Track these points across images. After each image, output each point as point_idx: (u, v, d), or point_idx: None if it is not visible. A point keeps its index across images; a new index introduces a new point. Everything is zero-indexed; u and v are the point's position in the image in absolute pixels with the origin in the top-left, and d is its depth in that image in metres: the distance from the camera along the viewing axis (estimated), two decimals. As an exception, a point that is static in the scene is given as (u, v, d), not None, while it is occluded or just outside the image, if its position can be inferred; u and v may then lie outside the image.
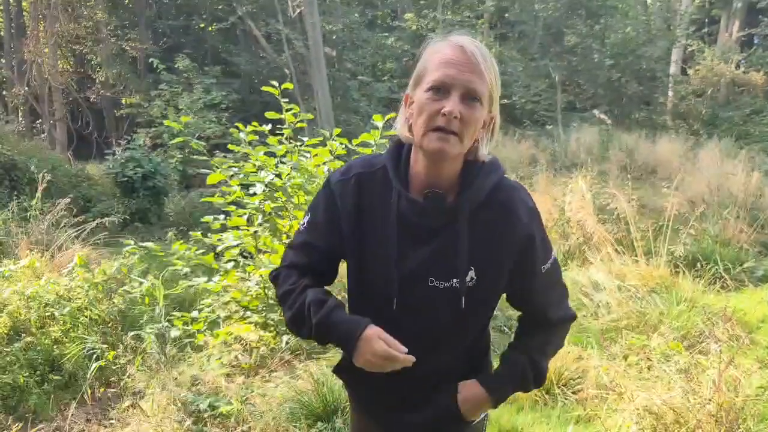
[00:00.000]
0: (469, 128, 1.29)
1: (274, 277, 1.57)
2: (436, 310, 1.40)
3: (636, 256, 5.30)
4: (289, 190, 4.23)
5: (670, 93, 19.54)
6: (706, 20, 24.13)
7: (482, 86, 1.28)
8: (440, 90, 1.27)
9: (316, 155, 4.46)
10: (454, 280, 1.37)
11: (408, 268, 1.38)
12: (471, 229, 1.35)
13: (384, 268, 1.39)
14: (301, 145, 4.51)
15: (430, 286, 1.38)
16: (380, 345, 1.29)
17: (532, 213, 1.41)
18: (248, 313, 4.31)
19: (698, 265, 5.32)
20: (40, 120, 18.42)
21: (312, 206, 1.51)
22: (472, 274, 1.37)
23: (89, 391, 3.80)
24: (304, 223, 1.51)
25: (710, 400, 2.76)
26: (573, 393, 3.54)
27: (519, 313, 1.57)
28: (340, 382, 3.32)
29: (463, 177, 1.37)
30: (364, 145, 4.35)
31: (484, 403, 1.46)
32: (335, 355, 3.97)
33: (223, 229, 4.35)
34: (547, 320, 1.50)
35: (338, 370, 1.60)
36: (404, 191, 1.37)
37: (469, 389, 1.45)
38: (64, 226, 6.61)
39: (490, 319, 1.53)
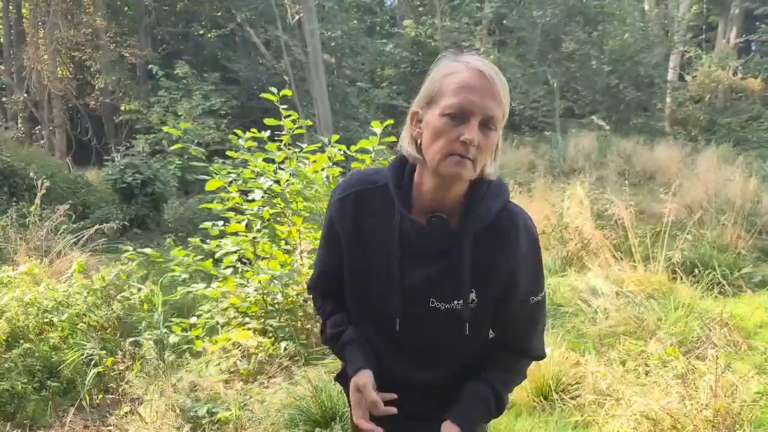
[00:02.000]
0: (485, 154, 1.28)
1: (310, 290, 1.68)
2: (437, 330, 1.41)
3: (634, 261, 5.31)
4: (288, 196, 4.25)
5: (668, 99, 19.61)
6: (704, 27, 24.24)
7: (499, 112, 1.27)
8: (458, 117, 1.24)
9: (315, 161, 4.48)
10: (455, 302, 1.37)
11: (409, 289, 1.38)
12: (474, 252, 1.35)
13: (386, 288, 1.40)
14: (299, 152, 4.52)
15: (430, 307, 1.39)
16: (355, 396, 1.38)
17: (532, 243, 1.40)
18: (247, 319, 4.32)
19: (696, 270, 5.32)
20: (39, 126, 18.45)
21: (323, 227, 1.55)
22: (473, 296, 1.37)
23: (87, 398, 3.79)
24: (321, 240, 1.57)
25: (707, 405, 2.76)
26: (571, 398, 3.54)
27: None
28: (339, 388, 3.33)
29: (468, 199, 1.35)
30: (363, 151, 4.37)
31: None
32: (333, 361, 3.97)
33: (222, 235, 4.36)
34: (525, 352, 1.51)
35: (339, 377, 1.63)
36: (407, 213, 1.35)
37: (448, 429, 1.41)
38: (63, 232, 6.61)
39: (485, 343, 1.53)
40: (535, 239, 1.41)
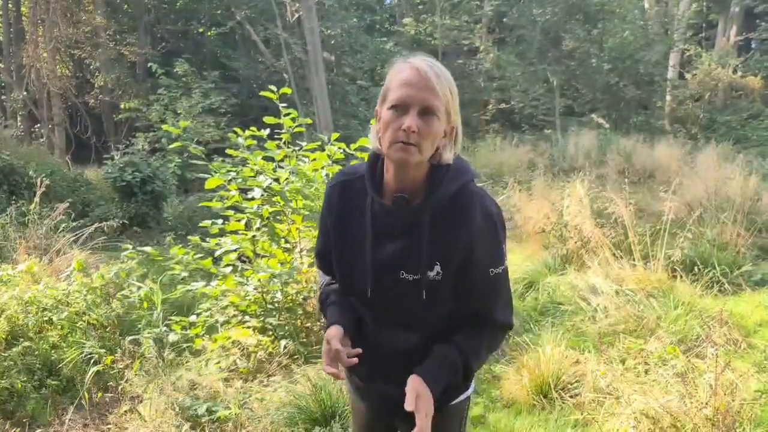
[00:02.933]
0: (427, 139, 1.45)
1: (317, 268, 1.94)
2: (405, 298, 1.58)
3: (634, 260, 5.31)
4: (288, 194, 4.24)
5: (668, 97, 19.61)
6: (704, 25, 24.23)
7: (437, 102, 1.44)
8: (400, 107, 1.44)
9: (315, 160, 4.48)
10: (422, 273, 1.54)
11: (381, 262, 1.58)
12: (434, 228, 1.53)
13: (361, 261, 1.61)
14: (299, 150, 4.52)
15: (401, 278, 1.56)
16: (324, 346, 1.56)
17: (489, 217, 1.55)
18: (246, 317, 4.32)
19: (696, 269, 5.32)
20: (38, 124, 18.43)
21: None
22: (438, 268, 1.54)
23: (87, 396, 3.80)
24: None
25: (707, 404, 2.76)
26: (570, 397, 3.54)
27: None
28: (338, 387, 3.34)
29: (429, 181, 1.53)
30: (363, 149, 4.36)
31: (427, 393, 1.50)
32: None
33: (222, 233, 4.35)
34: (490, 321, 1.63)
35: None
36: (377, 196, 1.56)
37: (413, 381, 1.52)
38: (63, 230, 6.61)
39: (455, 310, 1.64)
40: (491, 216, 1.55)
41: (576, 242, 6.10)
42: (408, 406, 1.44)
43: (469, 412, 1.83)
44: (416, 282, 1.55)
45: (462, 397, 1.74)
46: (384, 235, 1.57)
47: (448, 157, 1.52)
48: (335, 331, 1.57)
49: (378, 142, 1.53)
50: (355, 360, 1.52)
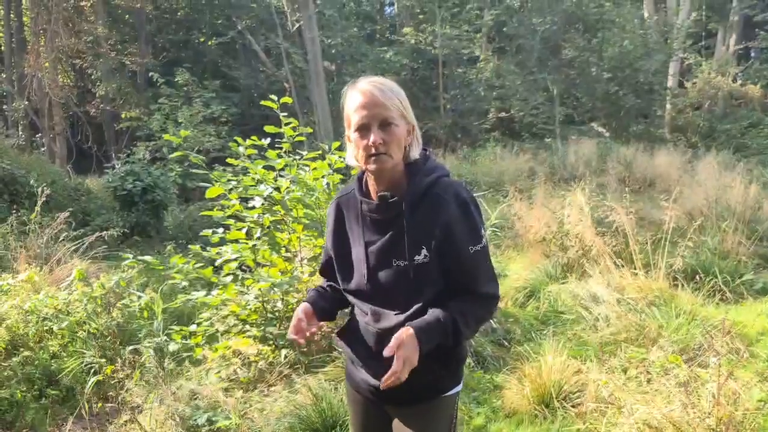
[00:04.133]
0: (392, 145, 1.70)
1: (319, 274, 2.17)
2: (399, 283, 1.77)
3: (635, 268, 5.30)
4: (288, 203, 4.24)
5: (668, 106, 19.63)
6: (703, 34, 24.30)
7: (389, 112, 1.69)
8: (362, 128, 1.70)
9: (315, 169, 4.48)
10: (412, 258, 1.75)
11: (375, 255, 1.81)
12: (415, 218, 1.74)
13: (357, 257, 1.85)
14: (300, 159, 4.52)
15: (394, 266, 1.77)
16: (293, 319, 1.83)
17: (461, 201, 1.75)
18: (247, 326, 4.30)
19: (697, 277, 5.31)
20: (40, 134, 18.47)
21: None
22: (424, 251, 1.74)
23: (87, 406, 3.78)
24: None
25: (710, 413, 2.75)
26: (572, 407, 3.53)
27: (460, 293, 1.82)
28: (339, 396, 3.34)
29: (407, 177, 1.78)
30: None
31: (411, 342, 1.64)
32: (334, 369, 3.96)
33: (222, 242, 4.35)
34: (473, 292, 1.79)
35: (340, 332, 2.01)
36: (364, 199, 1.82)
37: (400, 331, 1.67)
38: (63, 239, 6.61)
39: (445, 289, 1.79)
40: (464, 200, 1.75)
41: (577, 251, 6.09)
42: (387, 351, 1.61)
43: (458, 412, 1.95)
44: (406, 267, 1.75)
45: (452, 391, 1.88)
46: (374, 230, 1.81)
47: (415, 152, 1.78)
48: (302, 306, 1.87)
49: (355, 160, 1.79)
50: (315, 329, 1.83)
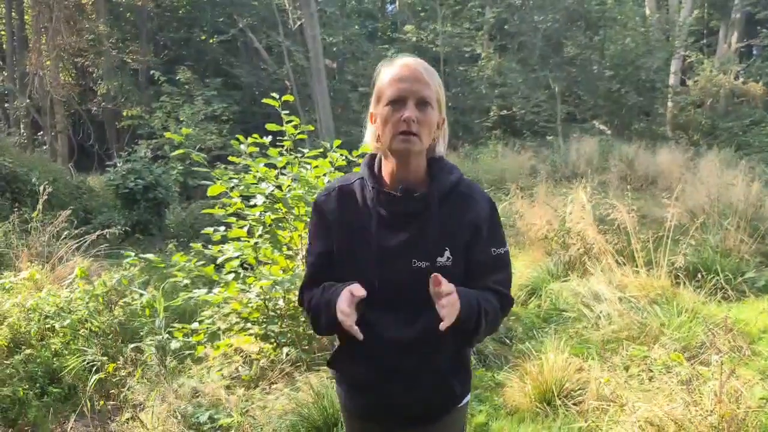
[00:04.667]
0: (425, 128, 1.57)
1: (300, 300, 1.81)
2: (417, 286, 1.56)
3: (636, 266, 5.30)
4: (290, 201, 4.23)
5: (670, 104, 19.60)
6: (705, 31, 24.27)
7: (430, 92, 1.57)
8: (397, 102, 1.56)
9: (317, 166, 4.47)
10: (436, 259, 1.60)
11: (390, 253, 1.61)
12: (441, 214, 1.61)
13: (367, 253, 1.63)
14: (301, 157, 4.52)
15: (413, 267, 1.60)
16: (344, 296, 1.50)
17: (489, 202, 1.68)
18: (248, 324, 4.30)
19: (699, 275, 5.31)
20: (41, 132, 18.51)
21: (310, 228, 1.79)
22: (447, 253, 1.61)
23: (89, 404, 3.78)
24: (309, 245, 1.79)
25: (712, 411, 2.75)
26: (574, 405, 3.53)
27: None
28: (340, 392, 3.32)
29: (430, 172, 1.65)
30: (365, 156, 4.35)
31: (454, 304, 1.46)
32: (336, 366, 3.95)
33: (224, 240, 4.35)
34: (494, 289, 1.67)
35: (332, 360, 1.80)
36: (380, 188, 1.64)
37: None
38: (65, 237, 6.61)
39: None
40: (490, 201, 1.68)
41: (579, 249, 6.08)
42: (444, 287, 1.43)
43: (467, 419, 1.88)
44: (428, 269, 1.57)
45: (464, 401, 1.79)
46: (391, 226, 1.62)
47: (441, 149, 1.67)
48: (354, 286, 1.52)
49: (375, 141, 1.65)
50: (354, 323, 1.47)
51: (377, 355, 1.65)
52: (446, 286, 1.44)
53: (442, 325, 1.40)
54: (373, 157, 1.71)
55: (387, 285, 1.60)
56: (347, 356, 1.73)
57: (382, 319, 1.62)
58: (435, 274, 1.45)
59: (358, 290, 1.49)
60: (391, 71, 1.59)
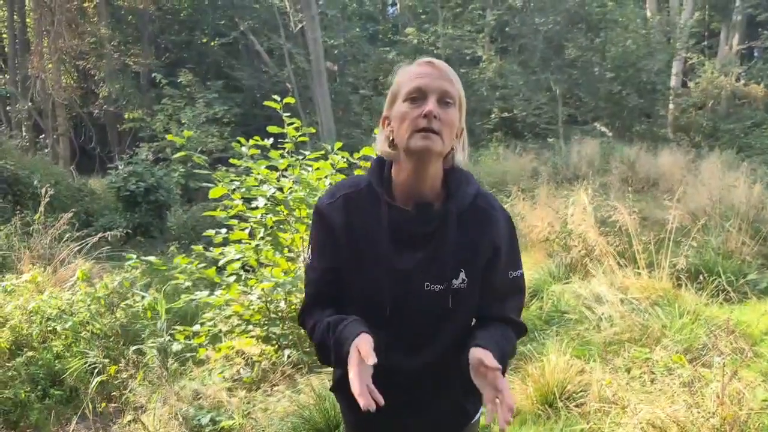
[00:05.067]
0: (447, 128, 1.40)
1: (302, 321, 1.63)
2: (430, 311, 1.47)
3: (638, 268, 5.29)
4: (291, 203, 4.24)
5: (671, 105, 19.60)
6: (706, 33, 24.27)
7: (453, 90, 1.42)
8: (417, 98, 1.40)
9: (318, 169, 4.48)
10: (451, 281, 1.46)
11: (403, 274, 1.45)
12: (458, 233, 1.46)
13: (377, 273, 1.46)
14: (303, 159, 4.52)
15: (426, 291, 1.46)
16: (354, 357, 1.29)
17: (508, 221, 1.55)
18: (250, 326, 4.31)
19: (701, 277, 5.29)
20: (43, 135, 18.52)
21: (311, 238, 1.59)
22: (462, 275, 1.47)
23: (91, 406, 3.78)
24: (309, 257, 1.59)
25: (714, 413, 2.74)
26: (576, 407, 3.52)
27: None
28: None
29: (447, 185, 1.48)
30: (366, 158, 4.36)
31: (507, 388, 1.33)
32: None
33: (225, 242, 4.36)
34: (508, 319, 1.57)
35: (336, 387, 1.65)
36: (393, 202, 1.46)
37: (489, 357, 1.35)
38: (67, 240, 6.62)
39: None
40: (510, 219, 1.56)
41: (580, 251, 6.08)
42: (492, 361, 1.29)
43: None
44: (442, 292, 1.46)
45: (478, 415, 1.68)
46: (403, 245, 1.45)
47: (459, 158, 1.49)
48: (364, 338, 1.31)
49: (387, 147, 1.47)
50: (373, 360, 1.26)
51: (385, 382, 1.40)
52: (491, 361, 1.30)
53: (503, 423, 1.25)
54: (382, 162, 1.52)
55: (397, 308, 1.47)
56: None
57: (392, 345, 1.47)
58: (486, 364, 1.29)
59: (364, 347, 1.27)
60: (410, 69, 1.45)
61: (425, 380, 1.53)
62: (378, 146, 1.51)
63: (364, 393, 1.23)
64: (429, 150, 1.38)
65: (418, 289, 1.46)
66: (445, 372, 1.53)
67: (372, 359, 1.24)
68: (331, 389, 1.69)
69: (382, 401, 1.24)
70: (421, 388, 1.55)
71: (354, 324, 1.40)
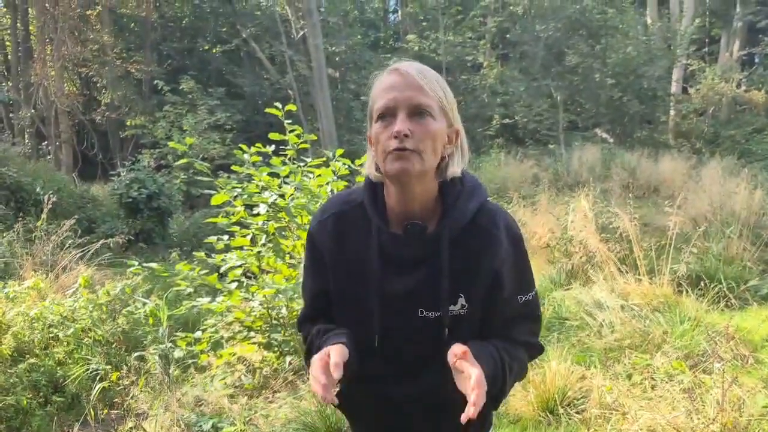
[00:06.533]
0: (426, 142, 1.26)
1: (299, 330, 1.59)
2: (424, 339, 1.37)
3: (639, 274, 5.30)
4: (293, 210, 4.26)
5: (672, 112, 19.62)
6: (707, 40, 24.32)
7: (426, 99, 1.26)
8: (387, 115, 1.27)
9: (320, 175, 4.50)
10: (447, 308, 1.35)
11: (394, 301, 1.36)
12: (455, 255, 1.33)
13: (366, 300, 1.37)
14: (304, 166, 4.54)
15: (420, 317, 1.36)
16: (319, 358, 1.22)
17: (514, 239, 1.38)
18: (251, 333, 4.32)
19: (702, 283, 5.30)
20: (46, 142, 18.58)
21: (304, 257, 1.53)
22: (462, 301, 1.35)
23: (92, 413, 3.79)
24: (303, 277, 1.54)
25: (714, 419, 2.75)
26: (576, 413, 3.52)
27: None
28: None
29: (442, 202, 1.34)
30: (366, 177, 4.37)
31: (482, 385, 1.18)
32: (338, 375, 3.96)
33: (227, 249, 4.37)
34: (518, 341, 1.43)
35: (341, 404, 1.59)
36: (384, 225, 1.35)
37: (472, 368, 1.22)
38: (69, 246, 6.64)
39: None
40: (517, 237, 1.39)
41: (581, 257, 6.09)
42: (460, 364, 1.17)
43: None
44: (437, 319, 1.35)
45: None
46: (394, 270, 1.35)
47: (456, 169, 1.33)
48: (338, 349, 1.25)
49: (375, 170, 1.36)
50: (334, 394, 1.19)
51: (377, 413, 1.45)
52: (457, 347, 1.22)
53: (464, 417, 1.10)
54: (373, 184, 1.40)
55: (389, 336, 1.37)
56: (352, 399, 1.44)
57: (383, 374, 1.41)
58: (460, 354, 1.18)
59: (335, 355, 1.20)
60: (380, 81, 1.32)
61: (420, 410, 1.43)
62: (366, 168, 1.41)
63: (326, 385, 1.17)
64: (405, 171, 1.24)
65: (411, 316, 1.36)
66: (442, 402, 1.41)
67: (338, 373, 1.17)
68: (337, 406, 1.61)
69: (336, 401, 1.19)
70: (414, 418, 1.44)
71: (340, 336, 1.35)
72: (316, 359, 1.21)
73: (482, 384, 1.13)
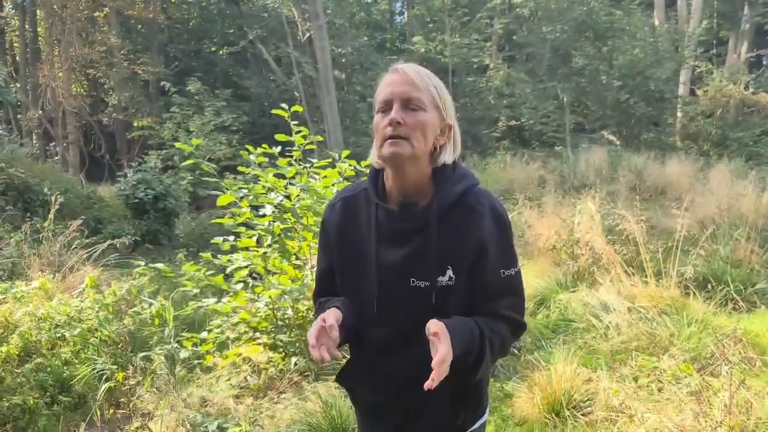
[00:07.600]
0: (416, 130, 1.44)
1: (314, 302, 1.78)
2: (416, 308, 1.50)
3: (646, 277, 5.28)
4: (299, 211, 4.26)
5: (679, 114, 19.55)
6: (714, 41, 24.24)
7: (418, 93, 1.45)
8: (385, 108, 1.47)
9: (325, 177, 4.50)
10: (436, 278, 1.49)
11: (389, 271, 1.53)
12: (443, 229, 1.48)
13: (366, 272, 1.55)
14: (310, 167, 4.55)
15: (412, 286, 1.50)
16: (316, 323, 1.40)
17: (497, 218, 1.52)
18: (257, 334, 4.32)
19: (709, 286, 5.28)
20: (53, 143, 18.69)
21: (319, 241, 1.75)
22: (450, 273, 1.49)
23: (98, 413, 3.80)
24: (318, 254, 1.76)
25: (721, 422, 2.73)
26: (583, 415, 3.51)
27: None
28: (349, 403, 3.33)
29: (434, 184, 1.51)
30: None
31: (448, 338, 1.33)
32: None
33: (233, 250, 4.37)
34: (501, 316, 1.53)
35: (340, 376, 1.73)
36: (381, 202, 1.55)
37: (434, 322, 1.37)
38: (76, 247, 6.66)
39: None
40: (502, 217, 1.53)
41: (587, 259, 6.07)
42: (432, 326, 1.31)
43: None
44: (427, 289, 1.49)
45: (480, 421, 1.65)
46: (390, 242, 1.52)
47: (448, 157, 1.52)
48: (333, 312, 1.43)
49: (377, 157, 1.54)
50: (334, 353, 1.37)
51: (378, 377, 1.60)
52: (434, 327, 1.32)
53: (427, 384, 1.24)
54: (376, 170, 1.60)
55: (385, 305, 1.53)
56: (352, 377, 1.68)
57: (383, 340, 1.56)
58: (432, 332, 1.31)
59: (329, 318, 1.38)
60: (383, 79, 1.53)
61: (413, 376, 1.43)
62: (371, 156, 1.58)
63: (316, 346, 1.35)
64: (397, 155, 1.44)
65: (404, 285, 1.51)
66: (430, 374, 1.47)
67: (334, 332, 1.35)
68: (336, 378, 1.75)
69: (328, 357, 1.35)
70: (410, 384, 1.51)
71: (336, 302, 1.55)
72: (312, 325, 1.39)
73: (445, 362, 1.26)
